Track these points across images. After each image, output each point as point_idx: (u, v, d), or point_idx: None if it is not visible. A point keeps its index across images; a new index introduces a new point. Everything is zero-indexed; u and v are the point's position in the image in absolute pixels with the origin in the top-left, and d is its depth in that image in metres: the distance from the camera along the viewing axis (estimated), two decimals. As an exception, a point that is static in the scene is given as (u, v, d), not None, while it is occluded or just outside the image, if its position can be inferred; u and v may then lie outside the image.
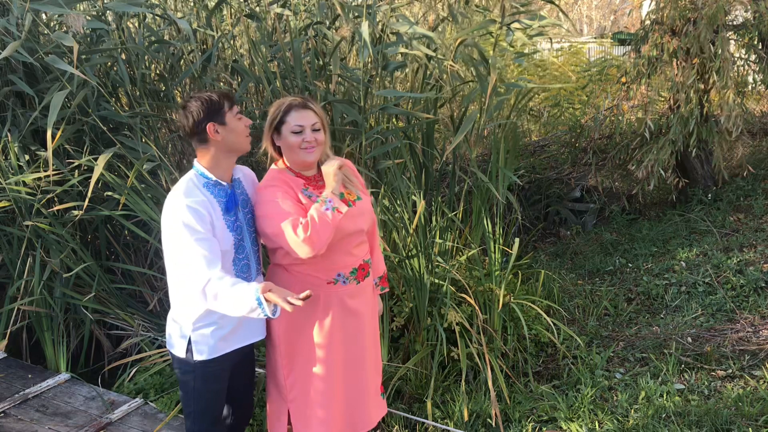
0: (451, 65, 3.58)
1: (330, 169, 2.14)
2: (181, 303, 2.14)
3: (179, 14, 4.42)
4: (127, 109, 3.68)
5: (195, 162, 2.13)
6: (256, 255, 2.26)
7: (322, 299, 2.22)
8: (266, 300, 1.85)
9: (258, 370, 2.90)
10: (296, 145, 2.14)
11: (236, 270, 2.16)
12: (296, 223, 2.04)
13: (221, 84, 3.90)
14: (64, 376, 3.62)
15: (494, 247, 3.63)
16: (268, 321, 2.27)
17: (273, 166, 2.27)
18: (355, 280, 2.26)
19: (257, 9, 4.09)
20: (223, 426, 2.31)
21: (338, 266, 2.21)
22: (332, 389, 2.27)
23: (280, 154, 2.25)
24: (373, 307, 2.41)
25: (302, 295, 1.81)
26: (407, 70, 4.44)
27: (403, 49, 3.36)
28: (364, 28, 2.98)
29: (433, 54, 3.48)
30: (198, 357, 2.13)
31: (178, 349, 2.16)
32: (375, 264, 2.47)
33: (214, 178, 2.12)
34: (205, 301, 1.97)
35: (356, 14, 3.44)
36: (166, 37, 4.16)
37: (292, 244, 2.04)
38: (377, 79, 3.63)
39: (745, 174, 5.76)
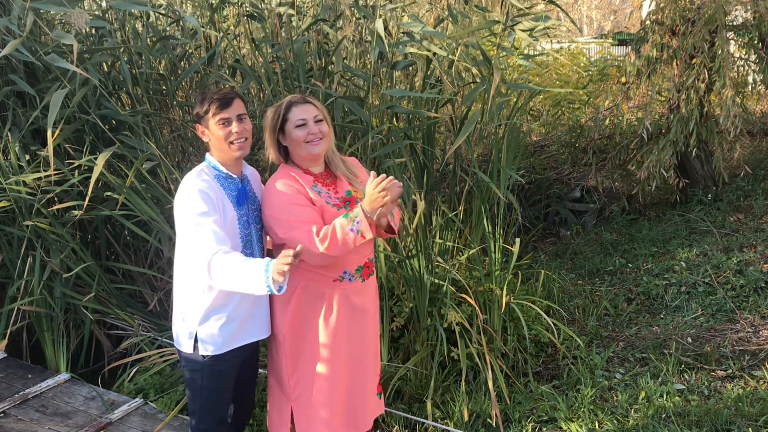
0: (456, 65, 3.58)
1: (372, 189, 1.98)
2: (188, 300, 2.15)
3: (186, 14, 4.41)
4: (128, 108, 3.67)
5: (207, 155, 2.18)
6: (261, 252, 2.27)
7: (328, 296, 2.22)
8: (273, 278, 1.78)
9: (258, 370, 2.89)
10: (302, 138, 2.14)
11: None
12: (311, 235, 2.02)
13: (222, 86, 3.89)
14: (64, 376, 3.61)
15: (494, 247, 3.63)
16: (273, 318, 2.27)
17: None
18: (360, 277, 2.26)
19: (262, 7, 4.07)
20: (227, 425, 2.32)
21: (345, 264, 2.21)
22: (335, 388, 2.26)
23: (285, 159, 2.25)
24: (376, 308, 2.41)
25: (296, 250, 1.76)
26: (410, 69, 4.44)
27: (411, 49, 3.36)
28: (379, 25, 3.00)
29: (444, 54, 3.47)
30: (205, 352, 2.13)
31: (186, 346, 2.16)
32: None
33: (225, 171, 2.15)
34: (209, 276, 1.90)
35: (360, 15, 3.44)
36: (169, 38, 4.15)
37: (304, 252, 2.01)
38: (380, 78, 3.64)
39: (742, 174, 5.77)
